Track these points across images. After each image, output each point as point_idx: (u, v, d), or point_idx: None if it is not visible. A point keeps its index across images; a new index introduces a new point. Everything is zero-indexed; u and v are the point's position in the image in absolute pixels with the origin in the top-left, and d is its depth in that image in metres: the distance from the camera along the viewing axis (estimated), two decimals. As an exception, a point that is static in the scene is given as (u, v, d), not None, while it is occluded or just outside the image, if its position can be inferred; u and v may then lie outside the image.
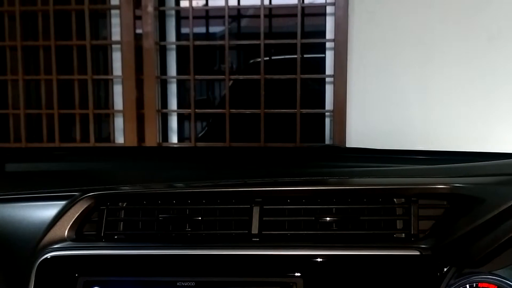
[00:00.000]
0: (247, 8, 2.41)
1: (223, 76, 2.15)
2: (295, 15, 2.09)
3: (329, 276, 0.90)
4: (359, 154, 1.55)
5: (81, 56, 2.21)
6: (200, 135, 2.57)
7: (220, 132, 2.17)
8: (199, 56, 2.20)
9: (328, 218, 0.95)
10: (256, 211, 0.96)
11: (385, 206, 0.96)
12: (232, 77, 2.20)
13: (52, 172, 1.28)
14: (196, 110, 2.18)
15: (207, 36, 2.53)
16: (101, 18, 2.38)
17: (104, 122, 2.43)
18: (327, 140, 2.19)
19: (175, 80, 2.35)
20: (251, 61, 2.57)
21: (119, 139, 2.29)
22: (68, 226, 0.97)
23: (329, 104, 2.15)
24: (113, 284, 0.92)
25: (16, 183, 1.16)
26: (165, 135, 2.36)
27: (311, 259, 0.91)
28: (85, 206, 0.98)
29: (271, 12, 2.38)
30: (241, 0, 2.31)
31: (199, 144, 2.22)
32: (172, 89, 2.36)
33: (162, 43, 2.28)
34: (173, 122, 2.38)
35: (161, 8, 2.26)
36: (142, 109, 2.20)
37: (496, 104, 1.95)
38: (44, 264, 0.93)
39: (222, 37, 2.24)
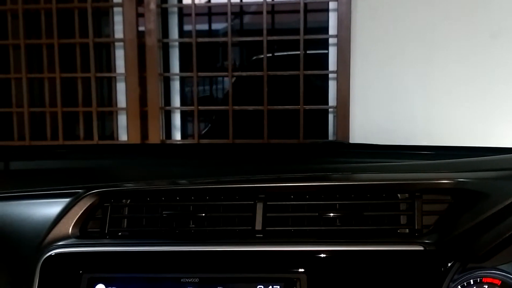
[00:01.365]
0: (250, 4, 2.41)
1: (226, 73, 2.15)
2: (298, 11, 2.09)
3: (333, 271, 0.90)
4: (363, 149, 1.54)
5: (84, 54, 2.21)
6: (203, 132, 2.58)
7: (223, 129, 2.17)
8: (202, 53, 2.20)
9: (331, 214, 0.95)
10: (259, 207, 0.96)
11: (388, 201, 0.96)
12: (235, 73, 2.20)
13: (56, 170, 1.29)
14: (199, 107, 2.18)
15: (210, 33, 2.53)
16: (103, 16, 2.39)
17: (108, 120, 2.43)
18: (331, 136, 2.18)
19: (178, 77, 2.35)
20: (254, 57, 2.57)
21: (123, 136, 2.29)
22: (72, 223, 0.97)
23: (332, 100, 2.15)
24: (117, 281, 0.93)
25: (20, 181, 1.16)
26: (168, 132, 2.36)
27: (314, 255, 0.91)
28: (89, 203, 0.98)
29: (274, 9, 2.38)
30: (244, -4, 2.31)
31: (203, 141, 2.22)
32: (175, 86, 2.37)
33: (165, 40, 2.28)
34: (176, 119, 2.39)
35: (164, 5, 2.26)
36: (146, 107, 2.20)
37: (499, 101, 1.94)
38: (48, 261, 0.93)
39: (224, 34, 2.24)
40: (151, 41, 2.17)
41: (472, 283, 0.89)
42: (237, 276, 0.91)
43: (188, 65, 2.27)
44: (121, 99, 2.29)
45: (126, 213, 1.00)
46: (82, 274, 0.92)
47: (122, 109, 2.25)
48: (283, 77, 2.14)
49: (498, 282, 0.89)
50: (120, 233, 0.98)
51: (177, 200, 0.99)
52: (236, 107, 2.14)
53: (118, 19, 2.25)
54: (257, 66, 2.22)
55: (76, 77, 2.22)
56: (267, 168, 1.20)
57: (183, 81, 2.39)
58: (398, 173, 1.03)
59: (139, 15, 2.18)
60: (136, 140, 2.19)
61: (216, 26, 2.53)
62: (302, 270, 0.90)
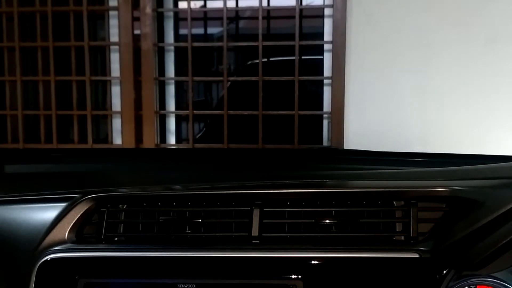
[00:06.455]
0: (245, 9, 2.41)
1: (221, 78, 2.16)
2: (293, 17, 2.09)
3: (329, 278, 0.91)
4: (357, 156, 1.55)
5: (79, 57, 2.21)
6: (197, 136, 2.58)
7: (218, 134, 2.17)
8: (197, 58, 2.21)
9: (327, 221, 0.95)
10: (256, 213, 0.96)
11: (384, 208, 0.96)
12: (230, 78, 2.21)
13: (52, 174, 1.28)
14: (194, 112, 2.18)
15: (205, 37, 2.54)
16: (99, 19, 2.38)
17: (102, 123, 2.43)
18: (325, 142, 2.19)
19: (173, 81, 2.35)
20: (249, 62, 2.57)
21: (117, 140, 2.29)
22: (69, 228, 0.97)
23: (327, 106, 2.16)
24: (114, 286, 0.93)
25: (16, 185, 1.15)
26: (163, 137, 2.36)
27: (311, 262, 0.91)
28: (85, 208, 0.98)
29: (269, 14, 2.38)
30: (239, 1, 2.31)
31: (197, 145, 2.22)
32: (170, 90, 2.36)
33: (160, 44, 2.28)
34: (171, 123, 2.38)
35: (159, 10, 2.26)
36: (140, 110, 2.20)
37: (494, 107, 1.96)
38: (44, 266, 0.93)
39: (220, 38, 2.24)
40: (147, 45, 2.17)
41: (466, 290, 0.90)
42: (233, 283, 0.91)
43: (183, 69, 2.27)
44: (116, 103, 2.28)
45: (123, 218, 1.00)
46: (78, 279, 0.92)
47: (116, 112, 2.25)
48: (278, 82, 2.15)
49: (492, 289, 0.89)
50: (116, 238, 0.98)
51: (174, 205, 0.99)
52: (231, 112, 2.14)
53: (113, 23, 2.25)
54: (252, 71, 2.22)
55: (71, 80, 2.22)
56: (263, 174, 1.21)
57: (178, 85, 2.39)
58: (394, 181, 1.03)
59: (135, 19, 2.18)
60: (131, 144, 2.19)
61: (211, 30, 2.54)
62: (298, 276, 0.90)
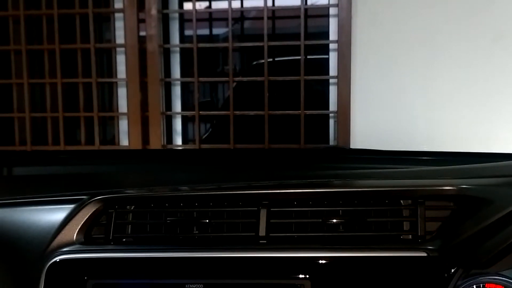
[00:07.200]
0: (250, 10, 2.42)
1: (227, 78, 2.16)
2: (298, 17, 2.09)
3: (337, 277, 0.91)
4: (364, 155, 1.55)
5: (85, 60, 2.21)
6: (204, 137, 2.58)
7: (224, 134, 2.18)
8: (203, 58, 2.21)
9: (335, 220, 0.96)
10: (263, 213, 0.97)
11: (392, 207, 0.96)
12: (236, 79, 2.21)
13: (60, 176, 1.29)
14: (200, 112, 2.18)
15: (211, 38, 2.54)
16: (105, 22, 2.39)
17: (109, 125, 2.43)
18: (331, 141, 2.19)
19: (179, 82, 2.35)
20: (255, 62, 2.58)
21: (124, 141, 2.29)
22: (77, 230, 0.98)
23: (333, 105, 2.15)
24: (122, 287, 0.93)
25: (24, 187, 1.16)
26: (169, 137, 2.36)
27: (318, 261, 0.92)
28: (93, 210, 0.98)
29: (274, 14, 2.38)
30: (244, 2, 2.32)
31: (204, 146, 2.22)
32: (176, 91, 2.37)
33: (166, 45, 2.28)
34: (177, 124, 2.39)
35: (165, 11, 2.26)
36: (147, 112, 2.21)
37: (501, 105, 1.95)
38: (53, 267, 0.94)
39: (225, 39, 2.25)
40: (152, 46, 2.18)
41: (475, 288, 0.89)
42: (241, 282, 0.92)
43: (189, 70, 2.27)
44: (122, 104, 2.29)
45: (130, 219, 1.00)
46: (87, 280, 0.93)
47: (123, 114, 2.25)
48: (283, 82, 2.15)
49: (501, 287, 0.89)
50: (124, 239, 0.99)
51: (181, 206, 1.00)
52: (237, 112, 2.14)
53: (119, 25, 2.26)
54: (258, 71, 2.22)
55: (78, 82, 2.23)
56: (270, 174, 1.21)
57: (184, 86, 2.39)
58: (401, 180, 1.03)
59: (140, 20, 2.19)
60: (137, 145, 2.19)
61: (217, 31, 2.54)
62: (306, 276, 0.91)
